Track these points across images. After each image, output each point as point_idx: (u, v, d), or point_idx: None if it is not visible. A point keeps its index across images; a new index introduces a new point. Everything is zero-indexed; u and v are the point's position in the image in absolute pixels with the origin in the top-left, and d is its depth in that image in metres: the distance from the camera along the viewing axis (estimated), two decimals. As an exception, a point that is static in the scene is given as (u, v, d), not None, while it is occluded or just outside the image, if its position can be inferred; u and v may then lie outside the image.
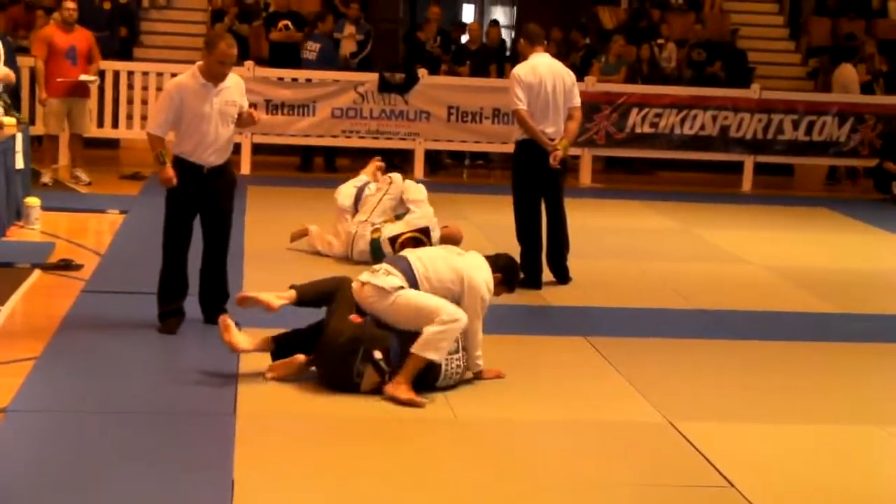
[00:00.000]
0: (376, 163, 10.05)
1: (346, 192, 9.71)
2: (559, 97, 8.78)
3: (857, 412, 6.42)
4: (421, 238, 9.21)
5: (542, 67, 8.80)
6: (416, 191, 9.54)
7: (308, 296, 6.44)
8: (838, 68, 16.38)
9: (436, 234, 9.34)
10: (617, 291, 9.03)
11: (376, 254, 9.12)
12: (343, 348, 6.09)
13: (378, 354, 6.08)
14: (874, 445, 5.95)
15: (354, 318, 6.25)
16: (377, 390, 6.09)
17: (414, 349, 6.08)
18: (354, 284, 6.37)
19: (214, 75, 7.05)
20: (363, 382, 6.10)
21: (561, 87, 8.80)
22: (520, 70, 8.82)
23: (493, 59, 16.21)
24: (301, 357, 6.23)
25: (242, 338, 6.35)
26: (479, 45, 16.37)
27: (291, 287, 6.49)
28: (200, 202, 7.14)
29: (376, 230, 9.32)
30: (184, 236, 7.19)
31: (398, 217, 9.46)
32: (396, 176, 9.65)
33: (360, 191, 9.67)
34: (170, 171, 7.04)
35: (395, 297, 6.25)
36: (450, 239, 9.40)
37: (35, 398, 5.90)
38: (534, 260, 8.87)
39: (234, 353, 6.37)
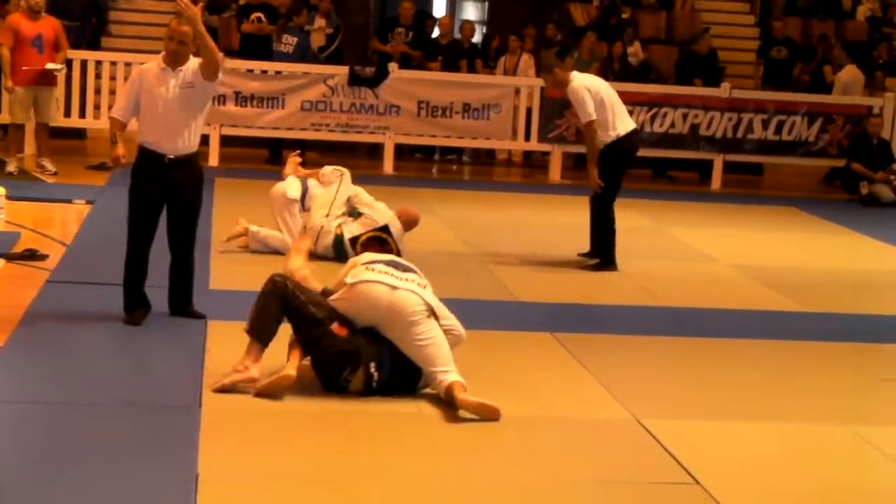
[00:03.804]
0: (295, 158, 9.79)
1: (293, 185, 9.42)
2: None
3: (823, 411, 6.43)
4: (383, 237, 9.08)
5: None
6: (364, 195, 9.43)
7: (270, 333, 6.08)
8: (843, 69, 16.40)
9: (396, 229, 9.17)
10: (586, 288, 9.03)
11: (338, 250, 9.04)
12: (339, 358, 5.98)
13: (373, 367, 6.02)
14: (840, 444, 5.96)
15: (338, 329, 6.06)
16: (360, 393, 6.03)
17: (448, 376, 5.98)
18: (382, 288, 6.04)
19: (170, 55, 7.00)
20: (350, 386, 6.03)
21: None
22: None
23: (464, 54, 16.21)
24: (292, 375, 5.97)
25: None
26: (450, 40, 16.36)
27: (251, 337, 6.06)
28: (164, 193, 7.06)
29: (339, 226, 9.20)
30: (146, 227, 7.10)
31: (352, 215, 9.28)
32: (343, 169, 9.53)
33: (304, 187, 9.44)
34: (119, 150, 7.06)
35: (430, 332, 6.02)
36: (409, 222, 9.32)
37: (-3, 389, 5.84)
38: (614, 244, 9.66)
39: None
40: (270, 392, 5.91)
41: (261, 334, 6.07)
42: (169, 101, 6.98)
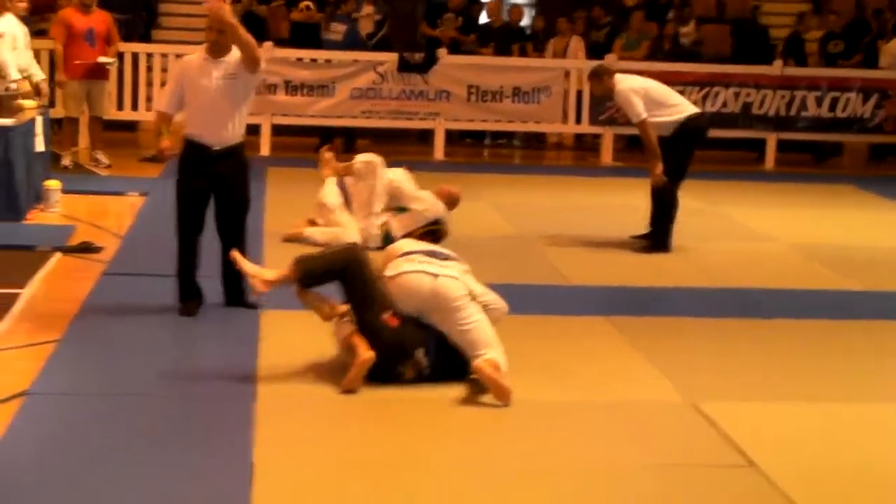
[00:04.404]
0: (327, 154, 9.74)
1: (330, 190, 9.39)
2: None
3: (882, 391, 6.36)
4: (436, 229, 9.02)
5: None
6: (406, 185, 9.27)
7: (315, 274, 6.07)
8: (893, 41, 16.17)
9: (445, 216, 9.10)
10: (640, 270, 8.98)
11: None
12: (389, 352, 5.98)
13: (420, 354, 6.03)
14: (898, 424, 5.90)
15: (389, 318, 6.07)
16: (412, 381, 6.05)
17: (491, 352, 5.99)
18: (424, 277, 6.07)
19: (211, 45, 7.01)
20: (403, 376, 6.04)
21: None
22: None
23: (516, 38, 16.16)
24: (371, 355, 5.95)
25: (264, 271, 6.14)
26: (501, 24, 16.32)
27: (296, 262, 6.09)
28: (211, 185, 7.07)
29: (384, 224, 9.14)
30: (194, 219, 7.11)
31: (398, 210, 9.19)
32: (373, 157, 9.36)
33: (342, 185, 9.39)
34: (164, 142, 7.12)
35: (473, 316, 6.03)
36: (451, 201, 9.22)
37: (56, 381, 5.90)
38: (671, 228, 9.64)
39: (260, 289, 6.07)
40: (357, 380, 5.89)
41: (308, 278, 6.05)
42: (212, 91, 6.98)
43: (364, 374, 5.93)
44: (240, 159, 7.19)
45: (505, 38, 16.02)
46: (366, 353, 5.93)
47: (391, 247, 6.53)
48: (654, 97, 9.42)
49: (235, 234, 7.22)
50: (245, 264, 6.23)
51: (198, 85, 7.00)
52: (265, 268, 6.18)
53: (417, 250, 6.32)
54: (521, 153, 16.16)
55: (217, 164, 7.05)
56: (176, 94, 7.13)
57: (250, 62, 6.96)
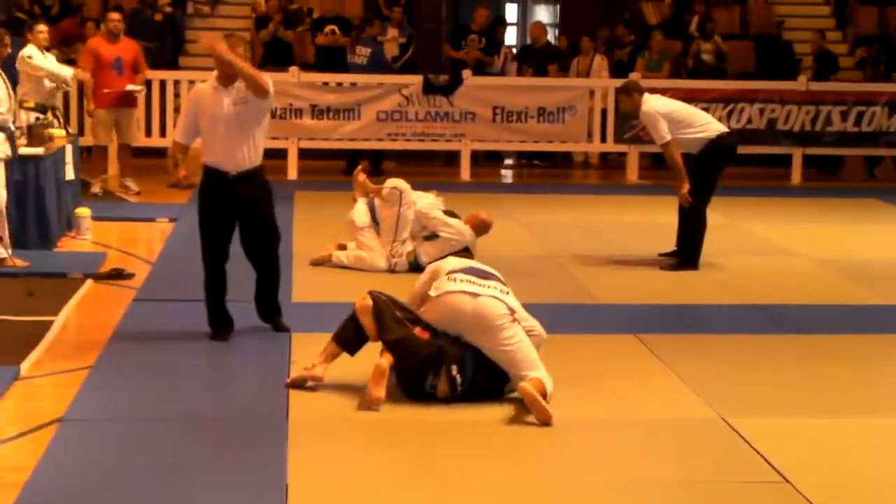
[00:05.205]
0: (360, 176, 9.67)
1: (359, 209, 9.43)
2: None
3: (913, 405, 6.35)
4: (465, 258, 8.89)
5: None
6: (435, 214, 9.20)
7: (349, 338, 6.27)
8: None
9: (473, 244, 9.07)
10: (668, 288, 8.98)
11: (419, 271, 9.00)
12: (422, 362, 6.05)
13: (454, 370, 6.06)
14: (931, 438, 5.88)
15: (420, 332, 6.14)
16: (447, 399, 6.08)
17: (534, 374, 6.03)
18: (464, 297, 6.11)
19: (221, 76, 7.05)
20: (437, 392, 6.07)
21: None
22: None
23: (554, 58, 16.22)
24: (385, 364, 6.06)
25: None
26: (542, 45, 16.37)
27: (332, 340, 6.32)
28: (233, 211, 7.08)
29: (410, 252, 9.15)
30: (219, 246, 7.12)
31: (428, 238, 9.16)
32: (400, 184, 9.30)
33: (372, 206, 9.40)
34: (180, 172, 7.21)
35: (516, 337, 6.08)
36: (481, 227, 9.21)
37: (90, 407, 5.95)
38: (700, 245, 9.61)
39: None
40: (375, 388, 5.98)
41: (339, 338, 6.28)
42: (225, 118, 7.00)
43: (383, 382, 5.97)
44: (259, 183, 7.17)
45: (542, 59, 16.08)
46: (382, 361, 6.02)
47: (437, 264, 6.56)
48: (678, 119, 9.42)
49: (268, 262, 7.28)
50: (295, 378, 6.31)
51: (210, 113, 7.03)
52: (307, 367, 6.26)
53: (460, 268, 6.35)
54: (548, 172, 16.14)
55: (236, 190, 7.06)
56: (190, 123, 7.16)
57: (257, 92, 6.97)
